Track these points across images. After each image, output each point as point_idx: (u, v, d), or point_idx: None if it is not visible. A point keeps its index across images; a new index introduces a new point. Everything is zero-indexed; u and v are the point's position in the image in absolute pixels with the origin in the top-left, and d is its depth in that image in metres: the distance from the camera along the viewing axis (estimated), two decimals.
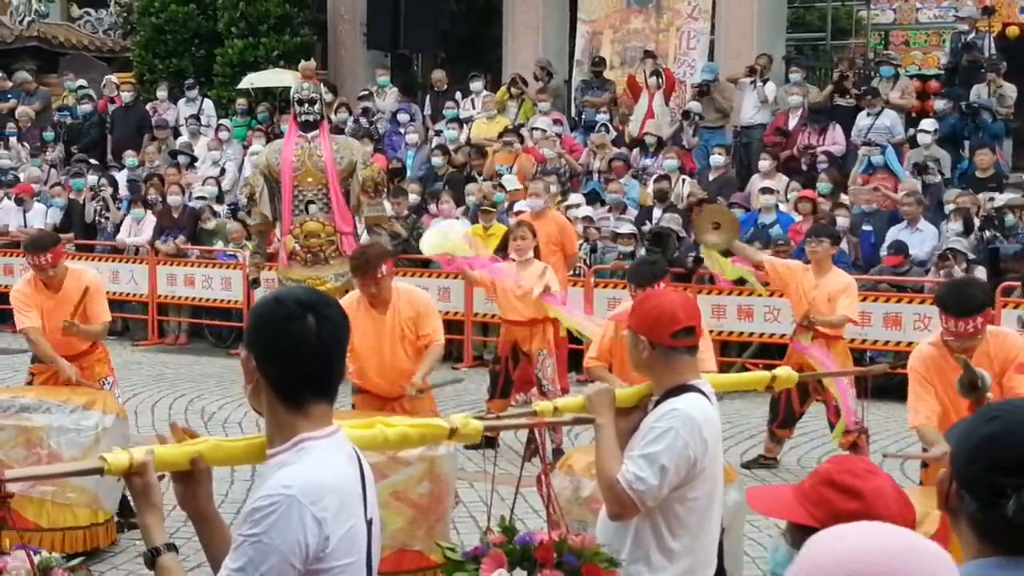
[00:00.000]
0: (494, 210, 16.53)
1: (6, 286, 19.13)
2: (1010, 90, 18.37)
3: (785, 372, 6.20)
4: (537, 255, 12.19)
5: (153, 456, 3.48)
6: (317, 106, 13.85)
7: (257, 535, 3.24)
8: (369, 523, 3.54)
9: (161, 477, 3.52)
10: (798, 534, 3.25)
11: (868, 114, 18.35)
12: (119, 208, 19.70)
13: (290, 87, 17.70)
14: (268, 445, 3.51)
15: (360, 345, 8.76)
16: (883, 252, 15.39)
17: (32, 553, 3.45)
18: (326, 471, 3.39)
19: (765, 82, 19.61)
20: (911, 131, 18.10)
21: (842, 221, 15.55)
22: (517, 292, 11.51)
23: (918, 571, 2.31)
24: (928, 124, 17.65)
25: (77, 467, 4.14)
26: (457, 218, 17.25)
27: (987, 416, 2.69)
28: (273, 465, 3.45)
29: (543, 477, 4.70)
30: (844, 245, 14.35)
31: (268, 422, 3.49)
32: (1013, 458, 2.57)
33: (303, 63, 14.94)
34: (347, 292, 13.08)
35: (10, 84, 24.85)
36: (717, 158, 18.19)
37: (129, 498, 9.40)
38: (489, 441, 11.12)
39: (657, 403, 4.97)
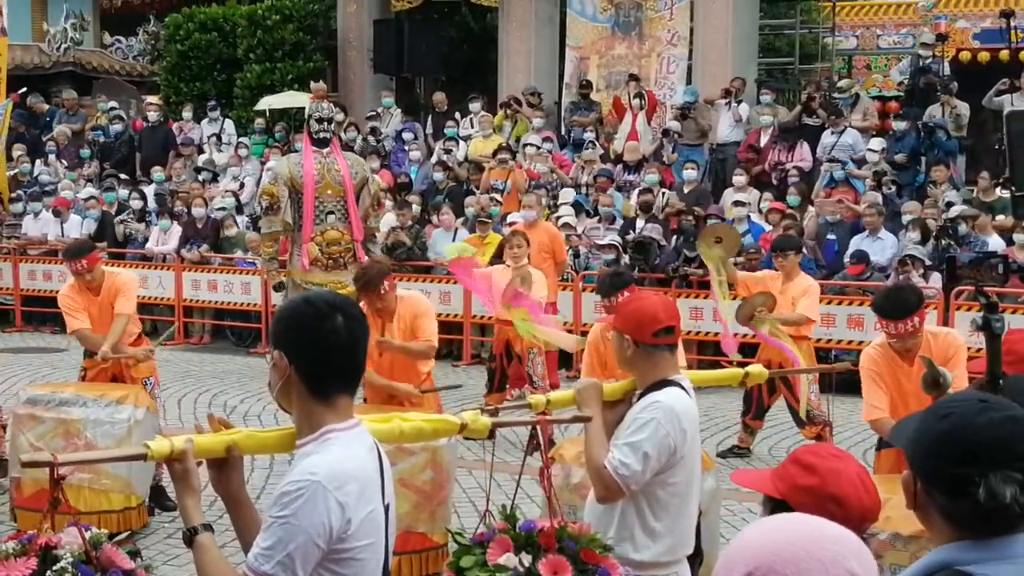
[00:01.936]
0: (490, 221, 16.62)
1: (47, 291, 19.32)
2: (963, 108, 18.46)
3: (757, 369, 6.28)
4: (530, 262, 12.27)
5: (192, 444, 3.53)
6: (332, 125, 13.97)
7: (286, 517, 3.29)
8: (387, 508, 3.60)
9: (199, 463, 3.58)
10: (768, 505, 3.33)
11: (832, 132, 18.44)
12: (148, 222, 19.77)
13: (303, 107, 17.76)
14: (297, 436, 3.56)
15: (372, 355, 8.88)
16: (846, 259, 15.47)
17: (83, 530, 3.51)
18: (349, 460, 3.44)
19: (739, 103, 19.68)
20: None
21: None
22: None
23: (833, 556, 2.38)
24: (876, 144, 17.76)
25: (124, 452, 4.19)
26: (457, 229, 17.37)
27: (938, 414, 2.73)
28: (301, 454, 3.50)
29: (545, 471, 4.74)
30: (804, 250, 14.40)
31: (297, 415, 3.54)
32: (973, 449, 2.63)
33: (314, 85, 15.06)
34: None
35: (46, 107, 24.88)
36: (690, 172, 18.19)
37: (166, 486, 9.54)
38: (488, 433, 11.13)
39: (640, 396, 5.01)
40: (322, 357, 3.49)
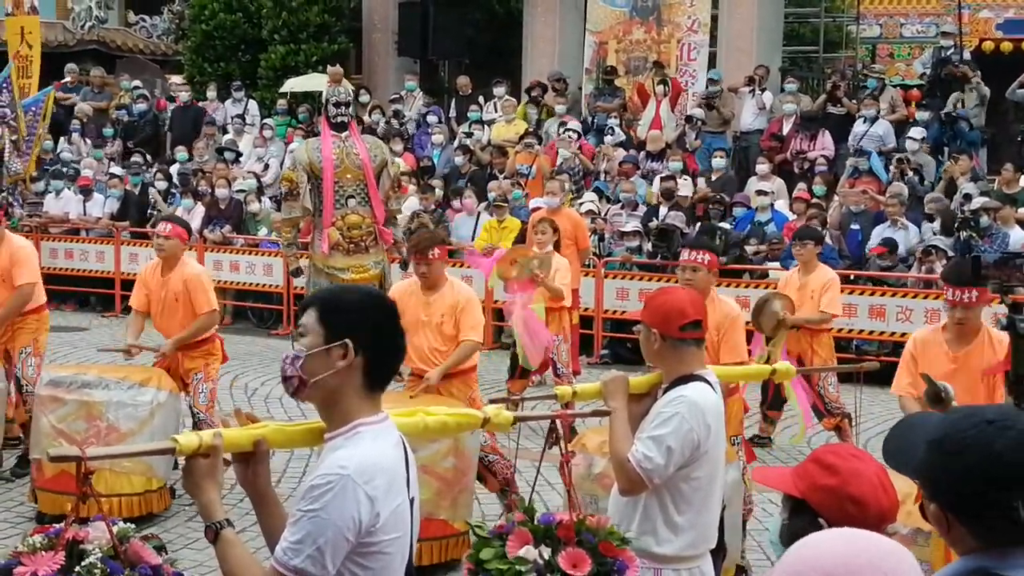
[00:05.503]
0: (506, 205, 16.59)
1: (68, 269, 19.34)
2: (983, 89, 18.36)
3: (784, 366, 6.27)
4: (557, 249, 12.25)
5: (222, 439, 3.48)
6: (350, 108, 13.93)
7: (315, 511, 3.28)
8: (412, 501, 3.58)
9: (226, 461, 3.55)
10: (788, 504, 3.38)
11: (864, 121, 18.35)
12: (170, 202, 19.77)
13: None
14: (327, 429, 3.52)
15: (405, 320, 8.84)
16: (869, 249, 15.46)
17: (111, 524, 3.49)
18: (377, 454, 3.42)
19: (763, 91, 19.64)
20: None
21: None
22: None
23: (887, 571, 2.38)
24: (916, 132, 17.63)
25: (152, 447, 4.16)
26: (479, 213, 17.36)
27: (951, 449, 2.67)
28: (330, 447, 3.48)
29: (564, 464, 4.74)
30: (827, 239, 14.36)
31: (332, 407, 3.51)
32: (1002, 478, 2.60)
33: (330, 69, 14.97)
34: (383, 277, 13.26)
35: (75, 82, 24.96)
36: (719, 161, 18.21)
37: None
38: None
39: (666, 390, 5.00)
40: (394, 351, 3.58)
